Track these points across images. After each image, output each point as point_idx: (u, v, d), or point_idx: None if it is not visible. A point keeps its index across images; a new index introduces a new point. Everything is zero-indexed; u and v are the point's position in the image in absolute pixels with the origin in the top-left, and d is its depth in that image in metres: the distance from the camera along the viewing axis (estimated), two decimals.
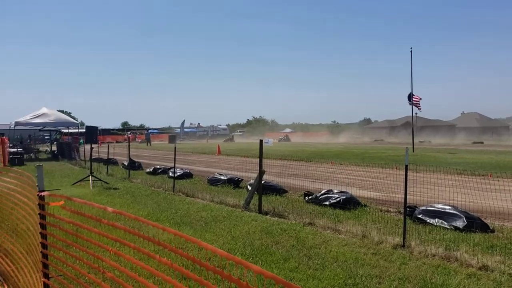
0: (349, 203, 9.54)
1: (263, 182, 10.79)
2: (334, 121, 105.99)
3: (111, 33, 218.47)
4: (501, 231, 7.53)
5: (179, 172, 15.59)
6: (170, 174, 15.98)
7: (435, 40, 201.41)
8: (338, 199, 9.69)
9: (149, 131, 67.66)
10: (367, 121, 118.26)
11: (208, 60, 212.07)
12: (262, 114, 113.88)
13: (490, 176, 14.20)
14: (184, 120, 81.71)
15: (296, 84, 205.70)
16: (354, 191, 10.86)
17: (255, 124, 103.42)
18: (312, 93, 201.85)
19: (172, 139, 58.32)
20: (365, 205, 9.81)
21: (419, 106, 33.27)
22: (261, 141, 9.88)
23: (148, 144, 53.14)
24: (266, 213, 9.21)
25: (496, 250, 6.24)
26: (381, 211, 9.43)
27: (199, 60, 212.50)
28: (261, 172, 9.59)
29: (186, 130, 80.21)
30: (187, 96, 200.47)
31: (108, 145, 20.92)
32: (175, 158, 14.32)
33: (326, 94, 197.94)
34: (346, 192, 10.16)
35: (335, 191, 10.20)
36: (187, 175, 16.12)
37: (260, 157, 9.61)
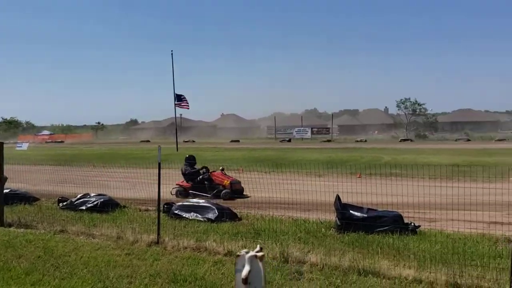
0: (107, 206, 9.25)
1: (9, 190, 9.71)
2: (99, 122, 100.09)
3: None
4: (246, 218, 8.43)
5: None
6: None
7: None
8: (95, 203, 9.31)
9: None
10: (133, 122, 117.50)
11: None
12: (15, 115, 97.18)
13: (242, 171, 15.72)
14: None
15: (52, 83, 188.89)
16: (115, 193, 10.55)
17: (6, 126, 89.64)
18: (71, 92, 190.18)
19: None
20: (125, 206, 9.67)
21: (187, 106, 36.03)
22: (1, 144, 8.59)
23: None
24: (10, 225, 8.12)
25: (239, 236, 6.90)
26: (140, 210, 9.44)
27: None
28: (2, 179, 8.39)
29: None
30: None
31: None
32: None
33: (87, 94, 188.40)
34: (104, 195, 9.83)
35: (92, 194, 9.74)
36: None
37: (1, 161, 8.38)
